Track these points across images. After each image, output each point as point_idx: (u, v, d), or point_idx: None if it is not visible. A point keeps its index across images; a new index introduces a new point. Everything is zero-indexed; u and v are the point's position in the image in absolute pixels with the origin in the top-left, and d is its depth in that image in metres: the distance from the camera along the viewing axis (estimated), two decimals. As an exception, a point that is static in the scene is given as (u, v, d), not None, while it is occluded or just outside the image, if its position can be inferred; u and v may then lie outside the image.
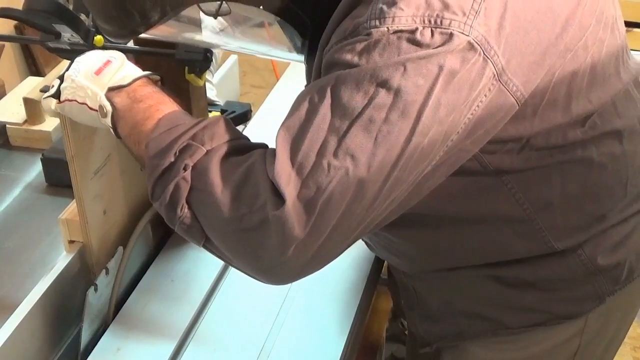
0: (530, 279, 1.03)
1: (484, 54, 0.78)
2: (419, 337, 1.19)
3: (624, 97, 1.00)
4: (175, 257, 1.32)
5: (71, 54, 1.14)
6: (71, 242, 1.16)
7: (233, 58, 1.89)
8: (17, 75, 2.79)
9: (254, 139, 0.89)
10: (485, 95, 0.79)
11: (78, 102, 0.96)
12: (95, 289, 1.14)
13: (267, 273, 0.82)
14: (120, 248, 1.21)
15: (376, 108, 0.76)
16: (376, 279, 1.31)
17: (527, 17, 0.82)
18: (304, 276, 0.83)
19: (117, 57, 0.98)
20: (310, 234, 0.76)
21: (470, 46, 0.77)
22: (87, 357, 1.15)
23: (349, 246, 0.83)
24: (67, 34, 1.12)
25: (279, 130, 0.80)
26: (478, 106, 0.80)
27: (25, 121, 1.59)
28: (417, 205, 0.87)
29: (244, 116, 1.57)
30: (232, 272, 1.28)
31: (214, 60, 1.30)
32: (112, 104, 0.93)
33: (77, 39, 1.12)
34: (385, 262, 1.34)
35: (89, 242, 1.15)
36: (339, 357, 1.14)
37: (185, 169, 0.83)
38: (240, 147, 0.85)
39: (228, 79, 1.84)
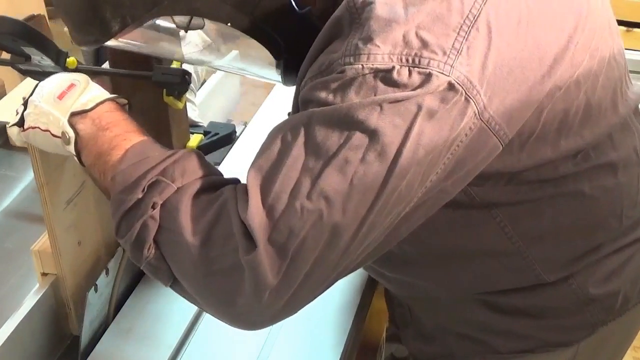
0: (521, 306, 1.01)
1: (465, 94, 0.74)
2: (412, 355, 1.17)
3: (621, 128, 0.96)
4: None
5: (44, 75, 1.09)
6: (44, 274, 1.11)
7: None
8: (17, 75, 2.73)
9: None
10: (466, 135, 0.76)
11: (41, 129, 0.92)
12: (95, 289, 1.12)
13: (240, 319, 0.78)
14: (120, 248, 1.17)
15: (352, 149, 0.72)
16: (376, 279, 1.27)
17: (512, 55, 0.77)
18: (277, 322, 0.79)
19: (80, 80, 0.94)
20: (283, 280, 0.73)
21: (451, 86, 0.74)
22: (87, 357, 1.13)
23: (324, 291, 0.79)
24: (37, 57, 1.06)
25: (249, 170, 0.76)
26: (458, 145, 0.76)
27: None
28: (400, 241, 0.83)
29: (228, 138, 1.52)
30: None
31: (195, 77, 1.25)
32: (75, 131, 0.88)
33: (47, 61, 1.07)
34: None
35: (63, 275, 1.09)
36: (339, 357, 1.14)
37: (153, 207, 0.78)
38: (212, 184, 0.81)
39: (228, 79, 1.82)
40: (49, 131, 0.91)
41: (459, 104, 0.74)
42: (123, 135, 0.86)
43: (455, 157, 0.76)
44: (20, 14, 2.95)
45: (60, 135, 0.90)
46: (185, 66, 1.26)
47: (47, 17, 3.05)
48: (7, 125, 0.97)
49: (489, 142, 0.78)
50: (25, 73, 1.13)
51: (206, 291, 0.77)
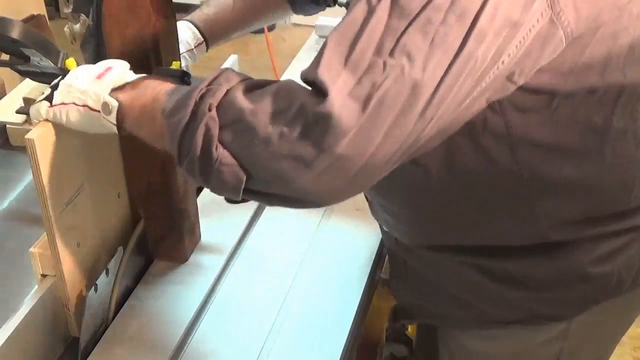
0: (517, 276, 1.02)
1: None
2: (401, 308, 1.20)
3: None
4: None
5: (43, 77, 1.09)
6: (43, 276, 1.10)
7: (233, 58, 1.85)
8: (17, 75, 2.73)
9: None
10: (538, 21, 0.79)
11: (76, 104, 0.94)
12: (95, 289, 1.11)
13: (319, 184, 0.77)
14: (120, 248, 1.17)
15: (434, 9, 0.75)
16: (376, 279, 1.30)
17: None
18: (357, 189, 0.80)
19: (119, 64, 0.97)
20: (361, 131, 0.74)
21: None
22: (87, 357, 1.12)
23: (395, 162, 0.80)
24: (37, 58, 1.06)
25: (331, 33, 0.78)
26: (530, 30, 0.78)
27: (26, 121, 1.51)
28: (424, 156, 0.86)
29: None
30: (234, 268, 1.27)
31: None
32: (117, 100, 0.91)
33: (46, 62, 1.06)
34: (385, 257, 1.34)
35: (62, 276, 1.08)
36: (339, 357, 1.14)
37: (210, 109, 0.79)
38: (260, 81, 0.84)
39: None
40: (86, 106, 0.93)
41: None
42: (162, 86, 0.89)
43: (525, 44, 0.79)
44: (20, 14, 2.94)
45: (99, 108, 0.92)
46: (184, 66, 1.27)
47: (47, 17, 3.04)
48: (34, 102, 0.99)
49: (555, 35, 0.81)
50: (25, 74, 1.13)
51: (281, 166, 0.77)
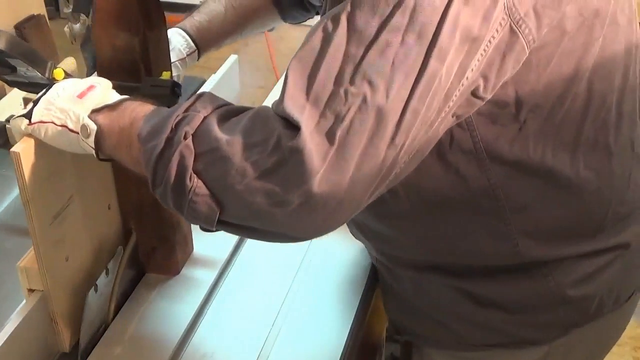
0: (495, 298, 1.01)
1: None
2: (391, 323, 1.20)
3: (624, 102, 0.95)
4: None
5: (31, 87, 1.07)
6: (31, 290, 1.08)
7: (233, 58, 1.85)
8: None
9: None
10: (497, 31, 0.77)
11: (56, 124, 0.92)
12: (95, 289, 1.10)
13: (293, 222, 0.76)
14: (120, 248, 1.16)
15: (392, 31, 0.73)
16: (376, 279, 1.28)
17: None
18: (334, 225, 0.78)
19: (101, 83, 0.95)
20: (332, 166, 0.72)
21: None
22: (87, 357, 1.12)
23: (373, 194, 0.77)
24: (23, 68, 1.04)
25: (290, 62, 0.77)
26: (490, 42, 0.77)
27: None
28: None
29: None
30: (234, 269, 1.27)
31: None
32: (95, 123, 0.89)
33: (33, 72, 1.04)
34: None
35: (50, 291, 1.06)
36: (339, 357, 1.13)
37: (185, 137, 0.78)
38: (237, 108, 0.82)
39: (228, 79, 1.79)
40: (65, 126, 0.91)
41: None
42: (142, 109, 0.87)
43: (487, 56, 0.77)
44: (20, 14, 2.93)
45: (78, 130, 0.90)
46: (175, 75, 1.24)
47: (47, 17, 3.02)
48: (12, 117, 0.97)
49: (516, 45, 0.79)
50: (12, 84, 1.10)
51: (255, 200, 0.75)
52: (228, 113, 0.81)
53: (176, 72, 1.23)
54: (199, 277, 1.23)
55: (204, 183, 0.77)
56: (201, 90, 1.70)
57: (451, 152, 0.89)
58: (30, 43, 2.90)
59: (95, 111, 0.90)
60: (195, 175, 0.77)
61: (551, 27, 0.82)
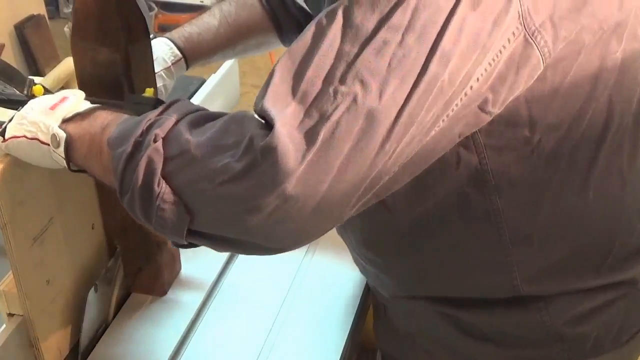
0: (489, 331, 0.97)
1: None
2: (380, 348, 1.17)
3: None
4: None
5: (9, 104, 1.03)
6: (10, 315, 1.05)
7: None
8: None
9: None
10: (509, 40, 0.71)
11: (27, 138, 0.88)
12: (96, 289, 1.09)
13: (270, 227, 0.70)
14: (119, 251, 1.15)
15: (391, 29, 0.68)
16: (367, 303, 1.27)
17: None
18: (312, 234, 0.72)
19: (75, 94, 0.91)
20: (311, 167, 0.67)
21: None
22: (87, 357, 1.11)
23: (357, 203, 0.72)
24: (0, 86, 1.00)
25: (280, 58, 0.72)
26: (500, 52, 0.71)
27: None
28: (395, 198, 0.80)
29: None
30: (235, 268, 1.26)
31: (162, 91, 1.19)
32: (65, 132, 0.86)
33: (11, 89, 1.01)
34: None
35: (30, 316, 1.03)
36: (339, 357, 1.12)
37: (155, 140, 0.73)
38: (212, 114, 0.77)
39: (228, 79, 1.79)
40: (36, 139, 0.88)
41: None
42: (114, 115, 0.84)
43: (497, 67, 0.72)
44: (20, 14, 2.91)
45: (48, 141, 0.87)
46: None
47: (47, 17, 3.00)
48: None
49: (531, 58, 0.74)
50: (-9, 101, 1.07)
51: (227, 207, 0.70)
52: (202, 118, 0.77)
53: (161, 82, 1.18)
54: (186, 298, 1.20)
55: (173, 189, 0.73)
56: (201, 90, 1.69)
57: (457, 173, 0.84)
58: (30, 43, 2.89)
59: (66, 121, 0.87)
60: (163, 180, 0.73)
61: (569, 41, 0.77)
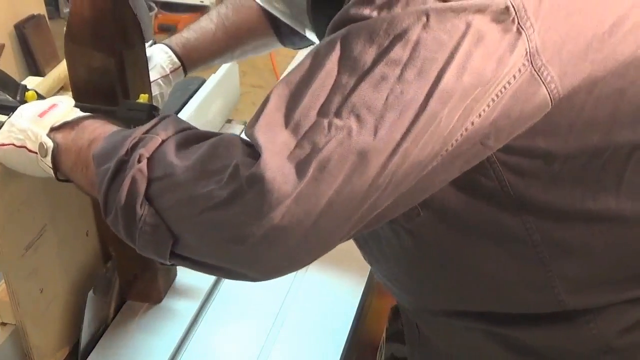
0: (534, 346, 0.92)
1: (518, 22, 0.68)
2: None
3: None
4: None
5: (1, 109, 1.02)
6: (3, 324, 1.03)
7: None
8: (17, 75, 2.71)
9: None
10: (515, 77, 0.69)
11: (15, 146, 0.87)
12: (95, 291, 1.09)
13: (254, 256, 0.68)
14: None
15: (390, 63, 0.66)
16: (361, 330, 1.25)
17: None
18: (298, 264, 0.71)
19: (64, 101, 0.90)
20: (300, 199, 0.65)
21: (506, 10, 0.67)
22: (87, 357, 1.10)
23: (346, 235, 0.70)
24: (-6, 92, 0.99)
25: (276, 85, 0.70)
26: (505, 87, 0.69)
27: None
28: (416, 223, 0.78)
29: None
30: (219, 295, 1.23)
31: (160, 99, 1.18)
32: (53, 141, 0.84)
33: (4, 96, 0.99)
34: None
35: (23, 325, 1.01)
36: (339, 357, 1.12)
37: (140, 161, 0.72)
38: (200, 134, 0.75)
39: (228, 79, 1.77)
40: (24, 147, 0.87)
41: (509, 33, 0.68)
42: (103, 129, 0.82)
43: (501, 103, 0.69)
44: (20, 14, 2.89)
45: (36, 149, 0.86)
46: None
47: (47, 17, 2.98)
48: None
49: (538, 94, 0.71)
50: (-17, 107, 1.05)
51: (209, 232, 0.69)
52: (190, 138, 0.75)
53: (158, 91, 1.17)
54: (183, 305, 1.18)
55: (156, 211, 0.71)
56: (201, 90, 1.67)
57: (479, 200, 0.81)
58: (30, 43, 2.88)
59: (55, 129, 0.86)
60: (146, 202, 0.71)
61: (581, 76, 0.74)
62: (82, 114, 0.89)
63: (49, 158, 0.85)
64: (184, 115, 1.50)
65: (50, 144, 0.84)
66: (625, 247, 0.87)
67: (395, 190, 0.69)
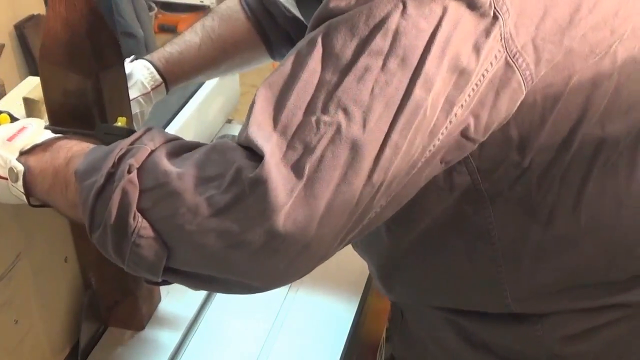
0: (487, 340, 0.94)
1: (494, 6, 0.68)
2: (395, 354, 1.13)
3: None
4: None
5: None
6: (-23, 356, 0.99)
7: None
8: (17, 75, 2.70)
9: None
10: (491, 64, 0.69)
11: None
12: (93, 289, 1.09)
13: (255, 264, 0.66)
14: None
15: (372, 55, 0.66)
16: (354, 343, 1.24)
17: None
18: (297, 274, 0.69)
19: (32, 124, 0.87)
20: (299, 203, 0.64)
21: None
22: (87, 357, 1.10)
23: (346, 239, 0.70)
24: (-36, 116, 0.94)
25: (260, 87, 0.69)
26: (483, 75, 0.69)
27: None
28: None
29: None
30: (203, 324, 1.19)
31: (140, 118, 1.13)
32: (24, 165, 0.81)
33: (-25, 119, 0.95)
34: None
35: (-4, 358, 0.97)
36: (339, 357, 1.13)
37: (130, 171, 0.69)
38: (189, 144, 0.73)
39: (228, 79, 1.74)
40: None
41: (485, 18, 0.68)
42: (80, 146, 0.80)
43: (479, 91, 0.70)
44: (20, 14, 2.86)
45: (6, 175, 0.82)
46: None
47: (46, 17, 2.95)
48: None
49: (512, 80, 0.71)
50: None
51: (208, 240, 0.66)
52: (180, 147, 0.73)
53: (139, 109, 1.12)
54: (165, 334, 1.14)
55: (150, 223, 0.68)
56: (201, 90, 1.65)
57: (451, 195, 0.82)
58: (30, 43, 2.84)
59: (26, 153, 0.82)
60: (139, 214, 0.68)
61: (557, 66, 0.74)
62: (53, 135, 0.85)
63: (20, 183, 0.81)
64: (184, 115, 1.48)
65: (20, 168, 0.81)
66: (577, 261, 0.87)
67: (389, 187, 0.68)
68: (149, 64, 1.13)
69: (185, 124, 1.45)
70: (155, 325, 1.15)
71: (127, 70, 1.07)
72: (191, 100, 1.56)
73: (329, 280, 1.21)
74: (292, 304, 1.18)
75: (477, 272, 0.89)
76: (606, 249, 0.88)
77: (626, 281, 0.90)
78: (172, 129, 1.41)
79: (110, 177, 0.70)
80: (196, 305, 1.18)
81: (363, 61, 0.66)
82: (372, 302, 1.28)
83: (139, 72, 1.12)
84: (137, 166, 0.69)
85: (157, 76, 1.13)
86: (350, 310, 1.18)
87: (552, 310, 0.90)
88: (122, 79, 0.99)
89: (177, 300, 1.18)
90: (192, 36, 1.17)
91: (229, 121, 1.75)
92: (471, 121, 0.71)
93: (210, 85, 1.64)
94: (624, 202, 0.86)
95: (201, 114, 1.58)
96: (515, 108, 0.73)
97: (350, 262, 1.13)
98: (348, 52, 0.67)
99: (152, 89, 1.13)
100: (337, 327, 1.15)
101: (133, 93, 1.09)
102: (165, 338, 1.13)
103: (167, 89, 1.15)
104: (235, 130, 1.67)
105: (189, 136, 1.47)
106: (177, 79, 1.16)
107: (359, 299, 1.20)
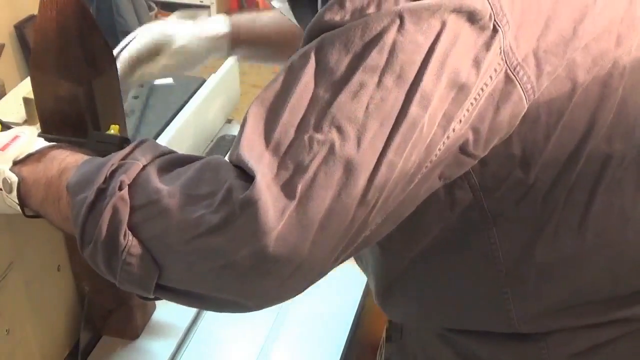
0: (482, 356, 0.91)
1: (495, 19, 0.66)
2: None
3: None
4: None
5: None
6: (-32, 367, 0.98)
7: (233, 58, 1.75)
8: (17, 75, 2.70)
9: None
10: (491, 77, 0.68)
11: None
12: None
13: (246, 285, 0.65)
14: None
15: (368, 70, 0.64)
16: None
17: None
18: (291, 293, 0.68)
19: (25, 132, 0.86)
20: (291, 224, 0.62)
21: (482, 6, 0.66)
22: (87, 357, 1.10)
23: (340, 259, 0.68)
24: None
25: (251, 105, 0.68)
26: (482, 89, 0.67)
27: (25, 121, 1.38)
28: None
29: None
30: (199, 331, 1.19)
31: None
32: (18, 175, 0.80)
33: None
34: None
35: (-13, 369, 0.96)
36: (339, 357, 1.13)
37: (121, 188, 0.68)
38: (182, 158, 0.72)
39: (228, 79, 1.74)
40: None
41: (485, 32, 0.66)
42: (74, 157, 0.79)
43: (478, 106, 0.68)
44: (20, 14, 2.86)
45: (0, 186, 0.81)
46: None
47: (46, 17, 2.94)
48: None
49: (513, 94, 0.69)
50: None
51: (198, 260, 0.65)
52: (172, 162, 0.72)
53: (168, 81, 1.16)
54: (160, 343, 1.13)
55: (140, 241, 0.67)
56: (201, 90, 1.64)
57: (452, 212, 0.80)
58: (30, 43, 2.83)
59: (19, 162, 0.81)
60: (130, 232, 0.67)
61: (559, 78, 0.72)
62: (46, 143, 0.84)
63: (14, 194, 0.80)
64: (184, 115, 1.47)
65: (14, 178, 0.80)
66: (583, 279, 0.86)
67: (384, 206, 0.66)
68: (225, 17, 1.18)
69: (185, 124, 1.45)
70: (149, 334, 1.14)
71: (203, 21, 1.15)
72: (191, 100, 1.56)
73: (329, 281, 1.19)
74: (292, 304, 1.17)
75: (480, 293, 0.87)
76: (612, 266, 0.86)
77: (630, 295, 0.89)
78: (173, 129, 1.40)
79: (101, 193, 0.69)
80: (191, 314, 1.17)
81: (358, 77, 0.64)
82: (372, 302, 1.25)
83: (215, 20, 1.17)
84: (129, 182, 0.69)
85: (229, 24, 1.16)
86: (350, 310, 1.18)
87: (557, 328, 0.88)
88: (115, 86, 0.98)
89: (171, 309, 1.16)
90: (264, 13, 1.23)
91: (229, 121, 1.74)
92: (470, 136, 0.69)
93: (210, 85, 1.64)
94: (631, 218, 0.84)
95: (201, 114, 1.57)
96: (517, 122, 0.72)
97: (350, 262, 1.13)
98: (342, 68, 0.65)
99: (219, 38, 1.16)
100: (337, 327, 1.15)
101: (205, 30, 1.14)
102: (159, 347, 1.12)
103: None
104: (235, 130, 1.66)
105: (189, 136, 1.48)
106: (242, 41, 1.18)
107: (359, 299, 1.20)
